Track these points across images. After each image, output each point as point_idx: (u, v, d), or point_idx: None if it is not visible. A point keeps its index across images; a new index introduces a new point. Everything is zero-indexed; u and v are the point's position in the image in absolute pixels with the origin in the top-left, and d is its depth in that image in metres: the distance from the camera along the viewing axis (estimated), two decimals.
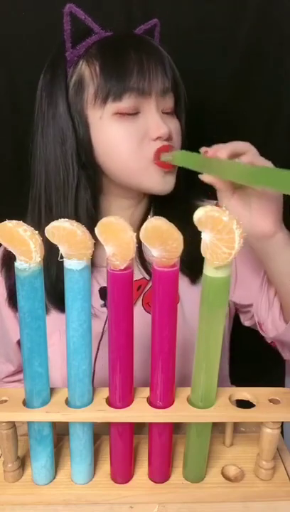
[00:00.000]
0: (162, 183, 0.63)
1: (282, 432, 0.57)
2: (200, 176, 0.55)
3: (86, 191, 0.64)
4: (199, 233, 0.39)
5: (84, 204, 0.64)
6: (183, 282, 0.67)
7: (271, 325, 0.66)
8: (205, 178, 0.54)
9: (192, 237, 0.39)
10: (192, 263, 0.45)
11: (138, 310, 0.66)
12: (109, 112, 0.59)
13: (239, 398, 0.49)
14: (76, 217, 0.40)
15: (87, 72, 0.60)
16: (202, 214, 0.37)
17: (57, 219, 0.40)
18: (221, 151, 0.52)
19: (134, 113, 0.60)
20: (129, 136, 0.60)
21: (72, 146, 0.62)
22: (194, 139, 0.65)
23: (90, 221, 0.37)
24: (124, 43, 0.61)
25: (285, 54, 0.82)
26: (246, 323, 0.74)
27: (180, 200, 0.68)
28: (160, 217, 0.39)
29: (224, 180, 0.54)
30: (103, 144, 0.62)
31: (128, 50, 0.59)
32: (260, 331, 0.68)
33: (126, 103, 0.59)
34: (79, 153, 0.63)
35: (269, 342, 0.70)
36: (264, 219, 0.54)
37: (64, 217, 0.40)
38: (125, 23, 0.79)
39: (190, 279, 0.67)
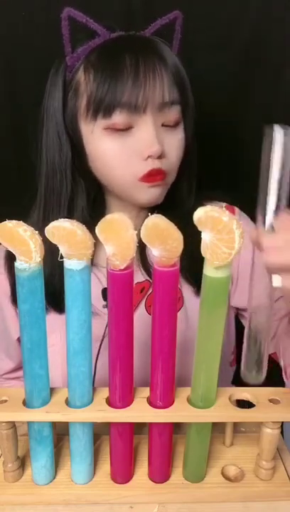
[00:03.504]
0: (148, 196, 0.61)
1: (282, 432, 0.56)
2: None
3: (82, 198, 0.64)
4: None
5: (80, 211, 0.64)
6: (188, 290, 0.66)
7: None
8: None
9: (192, 237, 0.39)
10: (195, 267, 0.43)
11: (141, 312, 0.65)
12: (100, 126, 0.58)
13: (239, 398, 0.49)
14: None
15: (82, 80, 0.59)
16: (202, 214, 0.37)
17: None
18: None
19: (126, 129, 0.58)
20: (120, 152, 0.59)
21: (68, 153, 0.62)
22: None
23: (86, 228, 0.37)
24: (122, 50, 0.57)
25: (285, 54, 0.82)
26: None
27: (183, 208, 0.67)
28: (160, 215, 0.38)
29: None
30: (95, 157, 0.61)
31: (124, 60, 0.55)
32: (283, 376, 0.63)
33: (117, 119, 0.56)
34: (74, 161, 0.63)
35: None
36: None
37: None
38: (124, 22, 0.79)
39: (195, 289, 0.66)
